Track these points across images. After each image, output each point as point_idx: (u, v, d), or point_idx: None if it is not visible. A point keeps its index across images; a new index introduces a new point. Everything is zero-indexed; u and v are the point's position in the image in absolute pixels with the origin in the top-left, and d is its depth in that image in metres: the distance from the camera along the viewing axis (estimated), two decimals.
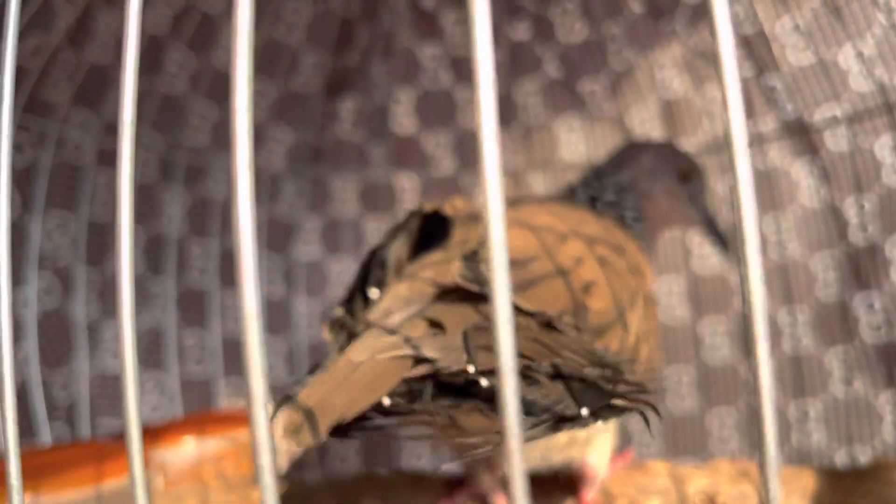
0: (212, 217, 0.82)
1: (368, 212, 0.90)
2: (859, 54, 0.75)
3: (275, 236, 0.87)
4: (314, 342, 0.87)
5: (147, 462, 0.51)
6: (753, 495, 0.53)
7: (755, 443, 0.80)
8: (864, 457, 0.77)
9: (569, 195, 0.70)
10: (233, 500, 0.55)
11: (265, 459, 0.21)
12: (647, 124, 0.87)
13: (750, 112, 0.82)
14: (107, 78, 0.73)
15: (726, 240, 0.73)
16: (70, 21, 0.66)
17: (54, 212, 0.72)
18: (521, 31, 0.88)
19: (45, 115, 0.70)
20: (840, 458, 0.78)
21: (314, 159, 0.88)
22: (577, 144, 0.89)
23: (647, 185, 0.69)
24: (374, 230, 0.90)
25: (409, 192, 0.90)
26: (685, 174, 0.72)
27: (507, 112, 0.90)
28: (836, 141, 0.79)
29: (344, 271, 0.89)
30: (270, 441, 0.22)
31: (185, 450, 0.62)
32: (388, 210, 0.90)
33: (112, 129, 0.75)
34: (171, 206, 0.80)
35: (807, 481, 0.54)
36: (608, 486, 0.53)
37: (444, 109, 0.90)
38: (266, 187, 0.85)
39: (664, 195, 0.70)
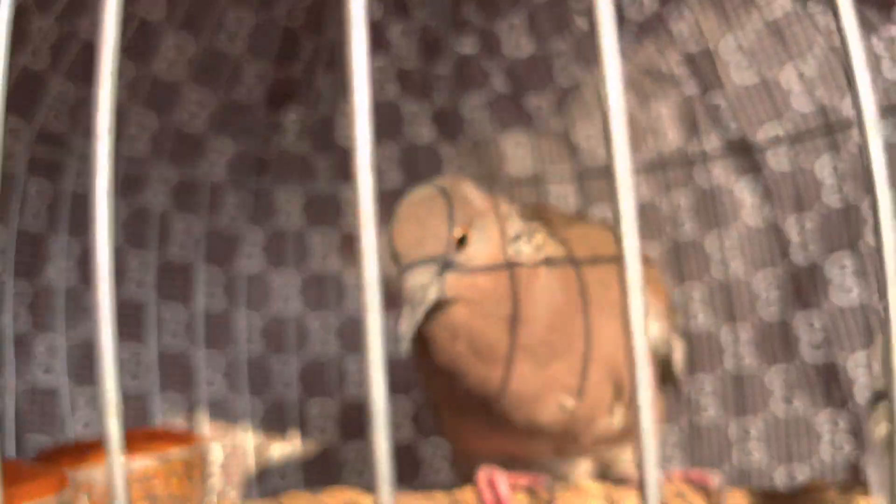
0: (149, 228, 0.81)
1: (312, 224, 0.89)
2: (801, 75, 0.76)
3: (215, 249, 0.85)
4: (254, 356, 0.85)
5: (72, 482, 0.50)
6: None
7: (696, 460, 0.80)
8: (802, 475, 0.78)
9: None
10: None
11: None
12: (592, 140, 0.87)
13: (694, 130, 0.82)
14: (39, 84, 0.71)
15: None
16: None
17: None
18: (468, 46, 0.87)
19: None
20: (779, 477, 0.78)
21: (257, 171, 0.87)
22: (524, 159, 0.89)
23: None
24: (319, 243, 0.89)
25: (353, 205, 0.89)
26: None
27: (454, 126, 0.89)
28: (778, 160, 0.79)
29: (287, 284, 0.88)
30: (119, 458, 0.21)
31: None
32: (333, 222, 0.89)
33: (44, 137, 0.73)
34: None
35: (740, 502, 0.54)
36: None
37: (391, 122, 0.89)
38: (206, 199, 0.83)
39: None
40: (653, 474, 0.19)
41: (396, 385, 0.87)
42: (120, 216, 0.80)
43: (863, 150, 0.71)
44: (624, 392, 0.53)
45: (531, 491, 0.54)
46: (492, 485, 0.53)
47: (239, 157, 0.86)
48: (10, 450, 0.69)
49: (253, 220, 0.87)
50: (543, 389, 0.51)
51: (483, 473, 0.54)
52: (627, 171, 0.17)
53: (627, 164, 0.17)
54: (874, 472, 0.47)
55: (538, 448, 0.56)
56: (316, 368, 0.87)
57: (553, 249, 0.53)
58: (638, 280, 0.18)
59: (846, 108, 0.75)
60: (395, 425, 0.87)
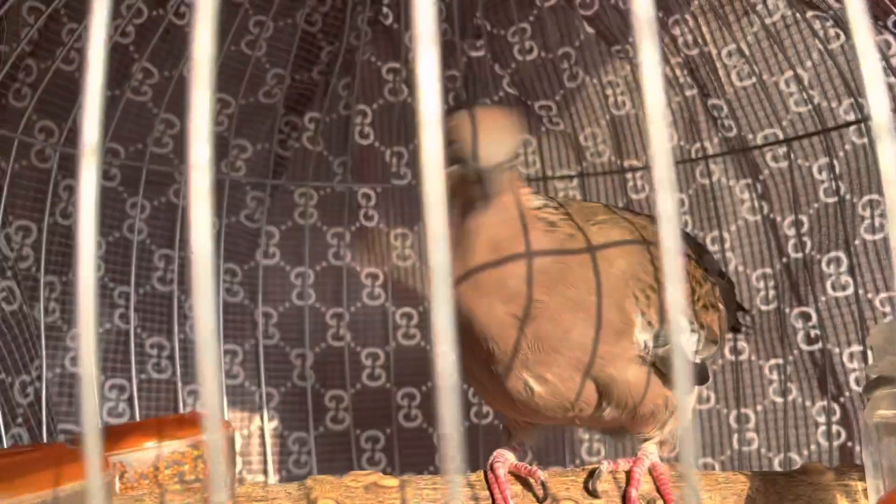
0: (172, 225, 0.83)
1: (327, 221, 0.91)
2: (798, 79, 0.79)
3: (234, 245, 0.87)
4: (268, 346, 0.88)
5: (106, 465, 0.52)
6: (692, 497, 0.55)
7: (698, 447, 0.83)
8: (800, 461, 0.80)
9: None
10: (191, 502, 0.56)
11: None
12: (597, 138, 0.89)
13: (696, 131, 0.85)
14: (70, 86, 0.73)
15: None
16: None
17: None
18: (480, 51, 0.90)
19: None
20: (778, 463, 0.81)
21: (275, 170, 0.89)
22: (531, 156, 0.92)
23: None
24: (333, 241, 0.91)
25: (368, 202, 0.91)
26: None
27: None
28: (776, 160, 0.82)
29: (302, 279, 0.90)
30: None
31: (145, 454, 0.63)
32: (347, 220, 0.91)
33: (73, 138, 0.75)
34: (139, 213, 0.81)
35: (742, 486, 0.56)
36: (553, 490, 0.55)
37: (405, 122, 0.92)
38: (227, 196, 0.86)
39: None
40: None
41: (409, 376, 0.89)
42: (146, 213, 0.82)
43: (870, 153, 0.73)
44: (612, 395, 0.54)
45: (525, 481, 0.56)
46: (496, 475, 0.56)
47: (258, 156, 0.88)
48: (41, 437, 0.71)
49: (270, 216, 0.89)
50: (515, 364, 0.53)
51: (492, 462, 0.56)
52: (667, 171, 0.19)
53: (668, 165, 0.19)
54: (868, 457, 0.50)
55: (542, 418, 0.58)
56: (330, 359, 0.89)
57: (567, 231, 0.54)
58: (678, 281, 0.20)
59: (842, 111, 0.78)
60: (407, 413, 0.89)
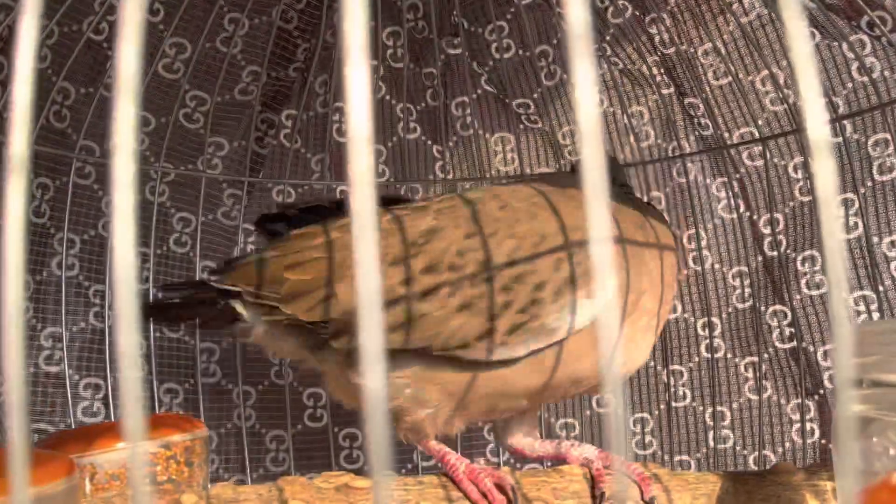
0: (148, 223, 0.82)
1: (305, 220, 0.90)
2: (774, 78, 0.78)
3: (211, 242, 0.87)
4: (245, 346, 0.87)
5: (72, 468, 0.51)
6: (663, 498, 0.55)
7: (670, 447, 0.83)
8: (775, 459, 0.80)
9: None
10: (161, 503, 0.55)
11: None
12: (575, 136, 0.89)
13: (673, 130, 0.84)
14: (41, 82, 0.73)
15: None
16: None
17: None
18: (457, 48, 0.89)
19: None
20: (753, 461, 0.81)
21: (252, 168, 0.88)
22: (510, 154, 0.91)
23: None
24: None
25: (348, 199, 0.91)
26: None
27: (445, 125, 0.91)
28: (752, 159, 0.82)
29: None
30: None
31: (117, 455, 0.62)
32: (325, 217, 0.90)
33: (45, 135, 0.74)
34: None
35: (713, 486, 0.56)
36: (525, 489, 0.55)
37: (382, 120, 0.91)
38: (203, 194, 0.85)
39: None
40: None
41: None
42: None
43: (844, 153, 0.73)
44: None
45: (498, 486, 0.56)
46: (476, 481, 0.56)
47: (234, 154, 0.88)
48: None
49: (247, 214, 0.88)
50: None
51: (468, 469, 0.56)
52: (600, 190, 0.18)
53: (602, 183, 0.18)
54: (838, 456, 0.50)
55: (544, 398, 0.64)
56: None
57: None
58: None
59: None
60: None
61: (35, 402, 0.77)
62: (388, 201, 0.67)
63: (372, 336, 0.18)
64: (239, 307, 0.65)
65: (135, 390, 0.19)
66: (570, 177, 0.67)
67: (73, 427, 0.76)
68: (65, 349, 0.77)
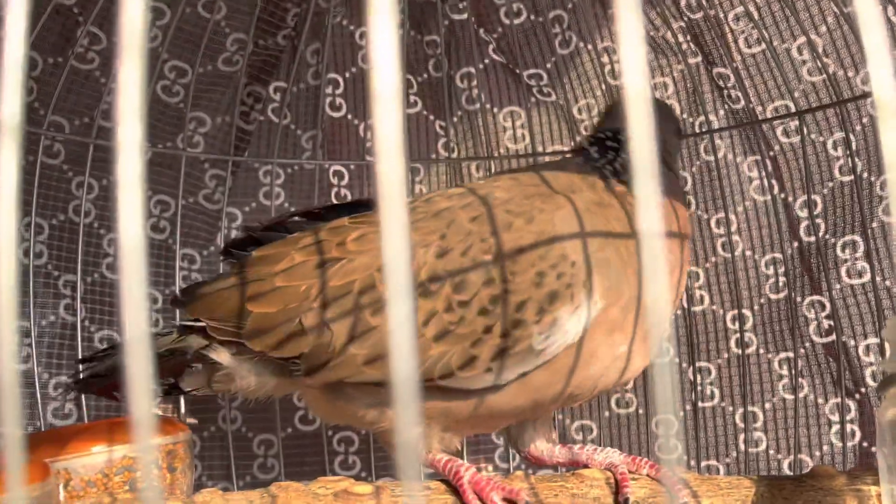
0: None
1: (294, 202, 0.90)
2: (812, 46, 0.78)
3: (193, 227, 0.87)
4: None
5: (47, 473, 0.52)
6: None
7: (697, 451, 0.83)
8: (812, 464, 0.81)
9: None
10: None
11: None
12: (592, 111, 0.89)
13: (700, 103, 0.84)
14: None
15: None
16: None
17: None
18: (462, 13, 0.89)
19: None
20: (788, 466, 0.81)
21: (237, 146, 0.88)
22: (520, 131, 0.91)
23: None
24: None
25: (340, 180, 0.91)
26: (679, 133, 0.73)
27: (449, 98, 0.91)
28: (787, 135, 0.82)
29: None
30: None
31: (93, 459, 0.63)
32: (319, 198, 0.90)
33: None
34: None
35: (747, 491, 0.56)
36: (541, 496, 0.55)
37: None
38: (183, 175, 0.85)
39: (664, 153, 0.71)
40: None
41: None
42: (93, 194, 0.82)
43: (876, 129, 0.73)
44: None
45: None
46: (482, 495, 0.56)
47: (217, 130, 0.88)
48: None
49: (232, 197, 0.88)
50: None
51: (472, 480, 0.57)
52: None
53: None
54: (882, 460, 0.50)
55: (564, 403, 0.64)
56: None
57: None
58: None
59: (859, 81, 0.78)
60: None
61: None
62: (351, 207, 0.66)
63: (401, 311, 0.18)
64: (203, 346, 0.65)
65: (144, 381, 0.19)
66: (559, 164, 0.67)
67: (43, 430, 0.76)
68: (33, 345, 0.77)
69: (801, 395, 0.82)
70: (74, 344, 0.80)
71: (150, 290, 0.85)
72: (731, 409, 0.84)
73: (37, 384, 0.76)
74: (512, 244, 0.56)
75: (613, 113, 0.69)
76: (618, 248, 0.58)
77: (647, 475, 0.58)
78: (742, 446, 0.83)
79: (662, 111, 0.71)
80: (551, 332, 0.55)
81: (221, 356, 0.63)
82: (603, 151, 0.64)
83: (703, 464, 0.84)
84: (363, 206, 0.65)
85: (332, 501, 0.55)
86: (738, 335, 0.84)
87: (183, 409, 0.84)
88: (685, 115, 0.86)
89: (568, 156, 0.69)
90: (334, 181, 0.91)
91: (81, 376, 0.72)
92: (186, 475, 0.67)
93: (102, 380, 0.70)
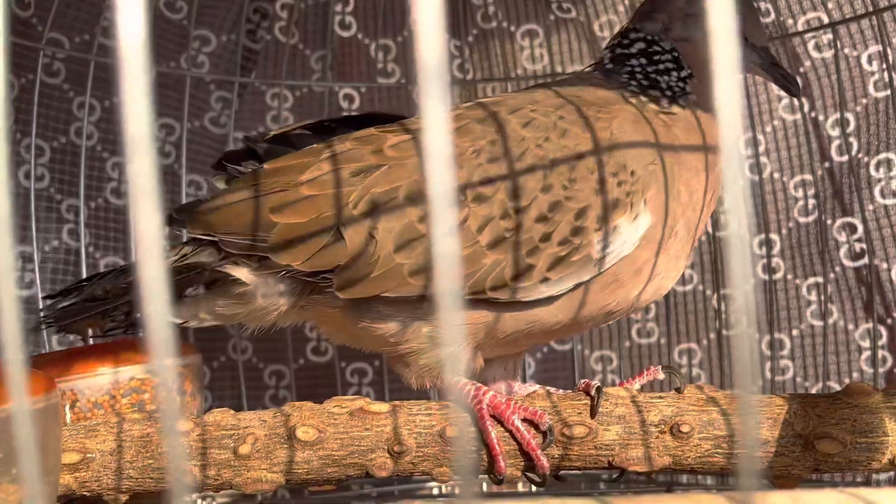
0: None
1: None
2: None
3: (198, 152, 0.85)
4: None
5: (52, 388, 0.50)
6: (721, 422, 0.54)
7: (721, 380, 0.82)
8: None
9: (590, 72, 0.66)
10: (152, 434, 0.54)
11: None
12: (615, 27, 0.86)
13: None
14: None
15: (792, 79, 0.64)
16: None
17: None
18: None
19: None
20: (816, 391, 0.80)
21: (242, 66, 0.86)
22: (538, 50, 0.89)
23: (682, 29, 0.62)
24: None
25: (351, 104, 0.89)
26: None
27: (464, 16, 0.89)
28: (819, 49, 0.79)
29: None
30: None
31: (99, 380, 0.62)
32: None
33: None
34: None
35: (779, 409, 0.55)
36: (564, 414, 0.54)
37: (391, 13, 0.88)
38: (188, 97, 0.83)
39: (705, 34, 0.66)
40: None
41: None
42: (95, 115, 0.80)
43: None
44: None
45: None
46: (502, 418, 0.54)
47: (223, 50, 0.85)
48: None
49: (239, 121, 0.86)
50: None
51: (492, 403, 0.55)
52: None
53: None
54: None
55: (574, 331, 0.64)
56: None
57: None
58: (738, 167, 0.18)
59: None
60: None
61: None
62: (361, 121, 0.63)
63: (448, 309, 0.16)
64: (218, 262, 0.60)
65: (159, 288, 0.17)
66: (591, 77, 0.64)
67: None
68: (37, 270, 0.75)
69: (830, 321, 0.80)
70: (79, 270, 0.78)
71: None
72: (756, 336, 0.83)
73: (40, 308, 0.75)
74: (569, 151, 0.55)
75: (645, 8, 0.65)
76: (668, 164, 0.56)
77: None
78: (768, 374, 0.82)
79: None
80: (611, 241, 0.54)
81: (240, 272, 0.59)
82: (623, 64, 0.62)
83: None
84: (376, 120, 0.63)
85: (348, 419, 0.54)
86: (764, 260, 0.82)
87: (191, 340, 0.82)
88: None
89: (587, 69, 0.66)
90: (344, 105, 0.89)
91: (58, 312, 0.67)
92: (196, 399, 0.66)
93: (78, 314, 0.64)
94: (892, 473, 0.65)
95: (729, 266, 0.19)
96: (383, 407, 0.55)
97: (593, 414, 0.54)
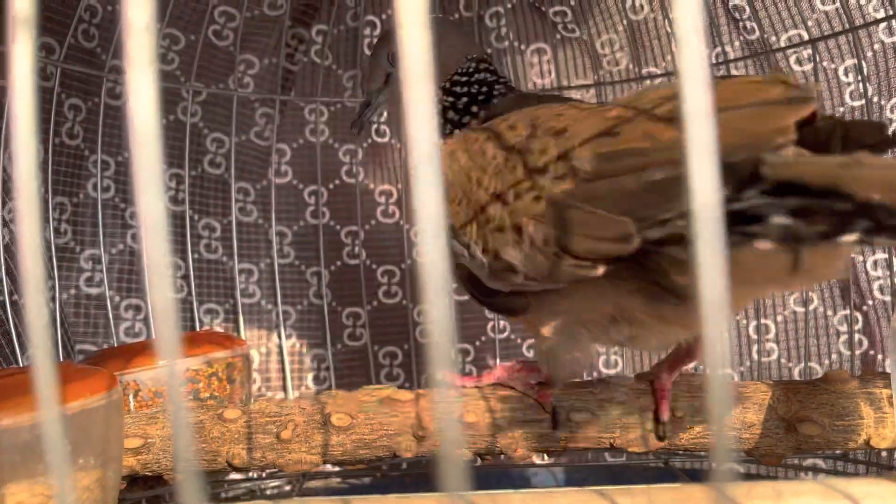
0: (182, 144, 0.80)
1: (337, 138, 0.88)
2: None
3: (246, 162, 0.85)
4: (283, 265, 0.86)
5: (114, 382, 0.50)
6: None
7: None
8: (821, 370, 0.78)
9: None
10: (205, 420, 0.54)
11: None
12: (614, 45, 0.85)
13: (716, 35, 0.80)
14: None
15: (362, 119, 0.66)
16: None
17: None
18: None
19: None
20: (798, 373, 0.79)
21: (283, 86, 0.85)
22: (546, 66, 0.87)
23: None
24: (346, 158, 0.88)
25: (380, 117, 0.88)
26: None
27: (479, 37, 0.87)
28: (800, 63, 0.77)
29: (314, 197, 0.87)
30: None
31: (158, 372, 0.61)
32: (360, 138, 0.87)
33: (74, 54, 0.72)
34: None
35: (762, 395, 0.54)
36: (569, 402, 0.53)
37: None
38: (235, 113, 0.82)
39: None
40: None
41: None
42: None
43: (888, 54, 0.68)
44: None
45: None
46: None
47: (265, 71, 0.85)
48: (58, 357, 0.70)
49: (281, 134, 0.86)
50: None
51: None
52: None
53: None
54: (894, 365, 0.47)
55: None
56: (346, 277, 0.87)
57: None
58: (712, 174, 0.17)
59: (871, 8, 0.73)
60: (424, 329, 0.87)
61: (78, 324, 0.76)
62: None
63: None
64: None
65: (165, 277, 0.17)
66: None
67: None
68: (104, 271, 0.75)
69: (811, 307, 0.79)
70: (141, 269, 0.78)
71: (207, 220, 0.83)
72: (744, 322, 0.81)
73: (109, 307, 0.75)
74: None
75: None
76: None
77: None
78: (755, 356, 0.80)
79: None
80: None
81: None
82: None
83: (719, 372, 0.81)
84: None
85: (377, 406, 0.53)
86: None
87: (242, 326, 0.82)
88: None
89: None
90: (374, 118, 0.88)
91: None
92: (245, 386, 0.66)
93: None
94: (868, 453, 0.63)
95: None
96: (408, 395, 0.54)
97: (556, 426, 0.53)
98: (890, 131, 0.37)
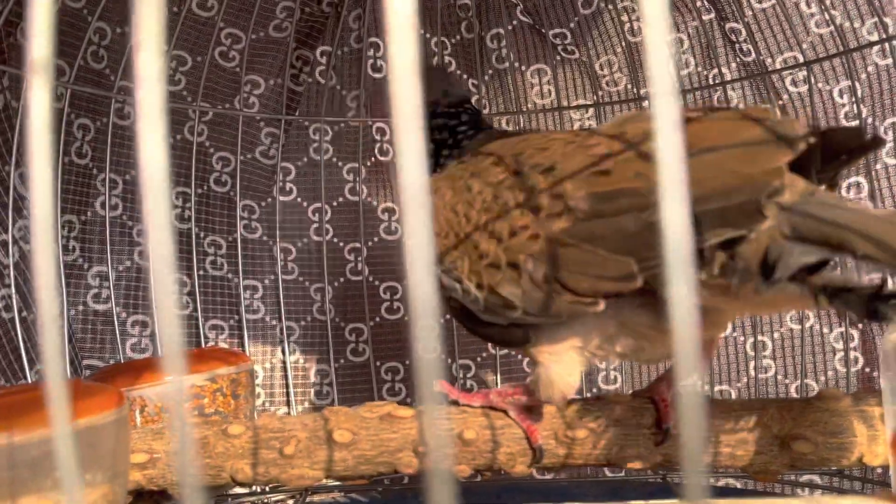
0: (189, 162, 0.81)
1: (341, 156, 0.89)
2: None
3: (251, 181, 0.86)
4: (287, 281, 0.87)
5: (121, 399, 0.51)
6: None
7: (710, 377, 0.81)
8: (818, 388, 0.78)
9: None
10: (209, 436, 0.55)
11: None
12: (613, 66, 0.86)
13: (713, 57, 0.81)
14: (78, 23, 0.71)
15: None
16: None
17: None
18: None
19: None
20: (794, 390, 0.79)
21: (288, 106, 0.87)
22: (546, 87, 0.88)
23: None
24: (349, 176, 0.89)
25: (383, 136, 0.89)
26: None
27: (480, 58, 0.88)
28: (795, 84, 0.78)
29: (319, 214, 0.88)
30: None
31: (165, 388, 0.62)
32: (363, 156, 0.88)
33: (84, 75, 0.73)
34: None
35: (757, 413, 0.54)
36: (569, 418, 0.54)
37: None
38: (241, 133, 0.83)
39: None
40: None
41: None
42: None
43: (895, 73, 0.69)
44: None
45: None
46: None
47: (271, 92, 0.86)
48: (66, 373, 0.71)
49: (285, 153, 0.87)
50: None
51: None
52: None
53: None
54: (887, 383, 0.48)
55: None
56: (349, 294, 0.88)
57: None
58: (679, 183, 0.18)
59: (865, 31, 0.74)
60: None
61: (85, 339, 0.77)
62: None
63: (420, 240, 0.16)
64: None
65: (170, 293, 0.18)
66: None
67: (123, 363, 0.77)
68: (111, 287, 0.76)
69: (807, 325, 0.79)
70: (148, 286, 0.79)
71: (213, 237, 0.84)
72: (742, 339, 0.82)
73: (115, 322, 0.76)
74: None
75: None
76: None
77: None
78: (752, 372, 0.81)
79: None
80: None
81: None
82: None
83: (717, 388, 0.82)
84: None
85: (378, 423, 0.54)
86: None
87: (246, 342, 0.83)
88: (699, 69, 0.83)
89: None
90: (377, 137, 0.89)
91: None
92: (249, 401, 0.66)
93: None
94: (863, 469, 0.64)
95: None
96: (408, 412, 0.55)
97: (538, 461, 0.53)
98: (867, 136, 0.38)
